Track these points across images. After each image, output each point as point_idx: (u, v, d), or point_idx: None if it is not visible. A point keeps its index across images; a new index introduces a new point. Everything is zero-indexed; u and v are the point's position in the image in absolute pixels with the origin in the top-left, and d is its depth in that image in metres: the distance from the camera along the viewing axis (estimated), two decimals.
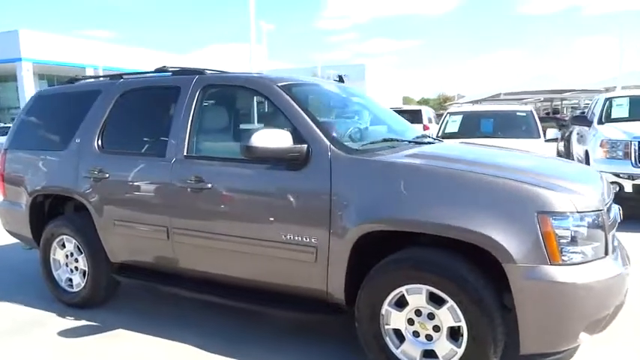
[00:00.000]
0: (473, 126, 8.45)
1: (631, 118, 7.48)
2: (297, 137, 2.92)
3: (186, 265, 3.43)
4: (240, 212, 3.13)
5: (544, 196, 2.40)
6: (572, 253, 2.36)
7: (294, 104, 3.09)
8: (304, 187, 2.89)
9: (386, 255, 2.74)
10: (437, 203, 2.53)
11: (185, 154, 3.35)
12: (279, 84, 3.23)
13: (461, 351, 2.54)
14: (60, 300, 4.10)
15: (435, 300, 2.58)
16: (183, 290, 3.47)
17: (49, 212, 4.26)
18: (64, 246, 4.06)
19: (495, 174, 2.57)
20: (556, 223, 2.35)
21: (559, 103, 36.17)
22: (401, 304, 2.68)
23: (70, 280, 4.06)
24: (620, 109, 7.71)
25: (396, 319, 2.70)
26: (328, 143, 2.90)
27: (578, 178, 2.86)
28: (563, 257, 2.34)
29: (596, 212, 2.47)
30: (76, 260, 4.01)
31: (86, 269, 3.92)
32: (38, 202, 4.17)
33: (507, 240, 2.36)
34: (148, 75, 3.91)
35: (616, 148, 6.38)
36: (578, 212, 2.39)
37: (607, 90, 27.09)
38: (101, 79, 4.25)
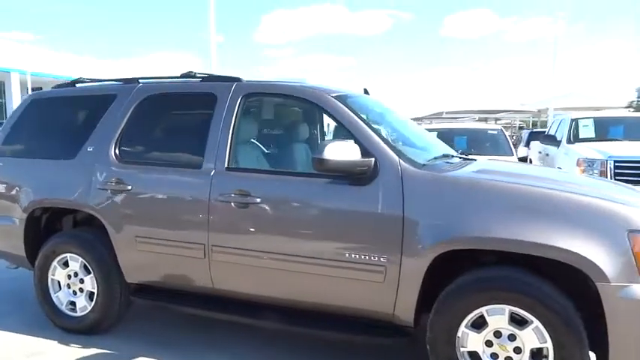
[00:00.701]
0: (447, 142, 8.66)
1: (597, 138, 7.96)
2: (363, 150, 2.78)
3: (225, 285, 3.16)
4: (294, 229, 2.92)
5: (633, 214, 2.42)
6: None
7: (354, 116, 2.95)
8: (372, 202, 2.74)
9: (449, 275, 2.65)
10: (527, 222, 2.47)
11: (226, 166, 3.10)
12: (333, 94, 3.07)
13: None
14: (59, 326, 3.66)
15: (517, 321, 2.52)
16: (219, 314, 3.19)
17: (46, 228, 3.81)
18: (66, 265, 3.63)
19: (579, 192, 2.57)
20: None
21: (493, 122, 38.20)
22: (479, 325, 2.59)
23: (73, 303, 3.63)
24: (587, 130, 8.19)
25: (473, 342, 2.60)
26: (397, 157, 2.78)
27: (637, 195, 2.93)
28: None
29: None
30: (82, 281, 3.59)
31: (95, 290, 3.52)
32: (35, 216, 3.71)
33: (601, 259, 2.34)
34: (172, 80, 3.59)
35: (592, 166, 6.74)
36: None
37: (539, 112, 28.98)
38: (111, 83, 3.86)
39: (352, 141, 2.76)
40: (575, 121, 8.41)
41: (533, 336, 2.48)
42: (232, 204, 3.01)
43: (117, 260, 3.44)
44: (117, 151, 3.44)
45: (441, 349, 2.63)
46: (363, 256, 2.74)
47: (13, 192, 3.75)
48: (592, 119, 8.51)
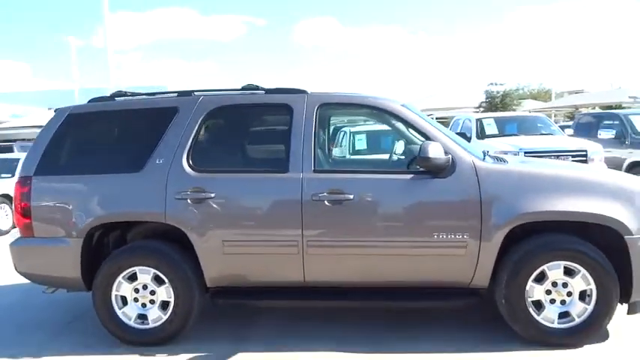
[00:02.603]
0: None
1: (500, 134, 9.56)
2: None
3: (318, 277, 3.52)
4: (388, 218, 3.43)
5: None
6: None
7: (425, 121, 3.56)
8: (454, 191, 3.38)
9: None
10: (574, 198, 3.32)
11: (313, 168, 3.48)
12: (400, 103, 3.65)
13: (590, 307, 3.35)
14: (127, 341, 3.65)
15: (568, 272, 3.36)
16: (312, 301, 3.55)
17: (97, 247, 3.74)
18: (132, 279, 3.63)
19: (602, 175, 3.52)
20: None
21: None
22: (540, 279, 3.38)
23: (143, 315, 3.64)
24: (490, 128, 9.77)
25: (537, 292, 3.39)
26: (469, 154, 3.45)
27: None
28: None
29: None
30: (152, 292, 3.63)
31: (170, 300, 3.59)
32: (90, 235, 3.63)
33: (627, 220, 3.28)
34: (233, 92, 3.80)
35: None
36: None
37: None
38: (161, 96, 3.90)
39: (438, 143, 3.36)
40: (479, 121, 9.96)
41: (581, 282, 3.35)
42: (326, 202, 3.41)
43: (194, 267, 3.57)
44: (190, 161, 3.57)
45: (515, 302, 3.36)
46: (448, 236, 3.36)
47: (65, 211, 3.62)
48: (493, 119, 10.16)
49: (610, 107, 21.78)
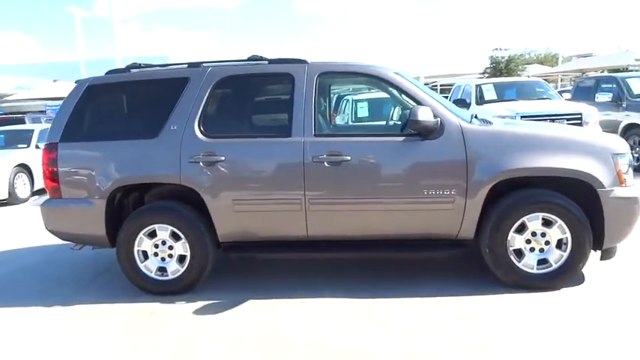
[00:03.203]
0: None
1: (498, 99, 9.78)
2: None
3: (320, 231, 3.88)
4: (382, 177, 3.77)
5: (614, 144, 3.72)
6: (628, 177, 3.72)
7: (417, 87, 3.85)
8: (443, 152, 3.70)
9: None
10: (552, 156, 3.63)
11: (314, 133, 3.80)
12: (394, 71, 3.93)
13: (566, 254, 3.71)
14: (150, 291, 4.06)
15: (546, 223, 3.70)
16: (314, 253, 3.93)
17: (118, 207, 4.12)
18: (152, 235, 4.02)
19: (579, 134, 3.81)
20: (621, 160, 3.68)
21: None
22: (520, 230, 3.73)
23: (163, 268, 4.04)
24: (489, 93, 9.97)
25: (517, 242, 3.74)
26: (456, 118, 3.75)
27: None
28: (626, 181, 3.68)
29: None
30: (170, 247, 4.02)
31: (187, 254, 3.98)
32: (112, 196, 4.00)
33: (600, 174, 3.59)
34: (239, 63, 4.09)
35: None
36: (627, 152, 3.76)
37: None
38: (173, 67, 4.21)
39: (428, 107, 3.66)
40: (479, 87, 10.17)
41: (558, 231, 3.69)
42: (325, 163, 3.74)
43: (208, 224, 3.94)
44: (202, 128, 3.90)
45: (499, 251, 3.73)
46: (437, 192, 3.70)
47: (89, 175, 3.99)
48: (492, 84, 10.35)
49: (617, 70, 21.68)
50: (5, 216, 8.15)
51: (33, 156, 9.57)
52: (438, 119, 3.69)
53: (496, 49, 31.53)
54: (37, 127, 10.64)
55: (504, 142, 3.72)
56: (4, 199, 8.85)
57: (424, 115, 3.56)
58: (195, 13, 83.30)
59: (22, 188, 9.27)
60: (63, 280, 4.66)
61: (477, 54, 33.95)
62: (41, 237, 6.07)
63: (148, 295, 4.04)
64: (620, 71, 19.75)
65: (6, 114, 18.93)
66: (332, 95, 4.42)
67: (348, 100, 9.54)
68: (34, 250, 5.73)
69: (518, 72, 28.66)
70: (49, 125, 11.17)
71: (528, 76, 21.57)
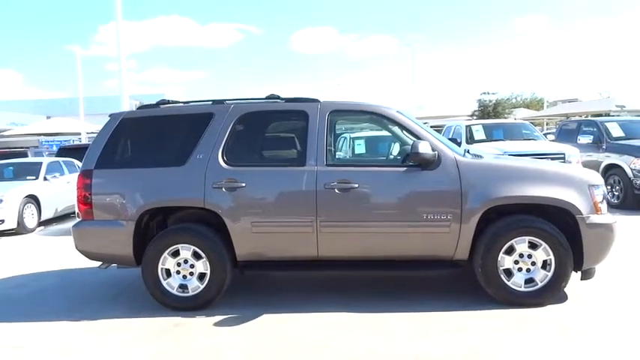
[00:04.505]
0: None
1: (487, 139, 10.40)
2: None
3: (329, 252, 4.30)
4: (386, 203, 4.24)
5: (589, 176, 4.23)
6: (603, 207, 4.21)
7: (417, 124, 4.37)
8: (440, 181, 4.18)
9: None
10: (538, 186, 4.13)
11: (326, 163, 4.27)
12: (396, 110, 4.46)
13: (550, 273, 4.14)
14: (171, 306, 4.39)
15: (532, 245, 4.15)
16: (323, 271, 4.32)
17: (146, 228, 4.52)
18: (175, 255, 4.39)
19: (560, 168, 4.33)
20: (596, 191, 4.18)
21: None
22: (509, 251, 4.17)
23: (184, 285, 4.40)
24: (479, 133, 10.61)
25: (507, 262, 4.18)
26: (452, 152, 4.26)
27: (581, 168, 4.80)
28: (601, 209, 4.17)
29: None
30: (192, 266, 4.40)
31: (207, 272, 4.35)
32: (141, 218, 4.40)
33: (578, 203, 4.08)
34: (258, 101, 4.61)
35: None
36: (601, 184, 4.27)
37: None
38: (198, 104, 4.72)
39: (427, 142, 4.16)
40: (469, 127, 10.82)
41: (542, 253, 4.15)
42: (336, 190, 4.20)
43: (227, 244, 4.34)
44: (225, 157, 4.36)
45: (490, 270, 4.16)
46: (435, 216, 4.16)
47: (120, 199, 4.40)
48: (481, 125, 11.01)
49: (599, 115, 22.73)
50: (15, 245, 8.43)
51: (41, 187, 9.96)
52: (436, 152, 4.19)
53: (484, 92, 32.82)
54: (45, 160, 11.04)
55: (495, 174, 4.22)
56: (13, 229, 9.14)
57: (424, 148, 4.06)
58: (189, 53, 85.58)
59: (30, 218, 9.57)
60: (85, 299, 4.98)
61: (466, 97, 35.25)
62: (53, 263, 6.50)
63: (170, 311, 4.37)
64: (602, 116, 20.73)
65: (2, 149, 19.33)
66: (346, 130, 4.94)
67: (345, 138, 10.14)
68: (50, 274, 6.04)
69: (505, 115, 29.74)
70: (56, 159, 11.65)
71: (515, 119, 22.51)
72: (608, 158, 9.82)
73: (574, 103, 32.66)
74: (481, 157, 4.56)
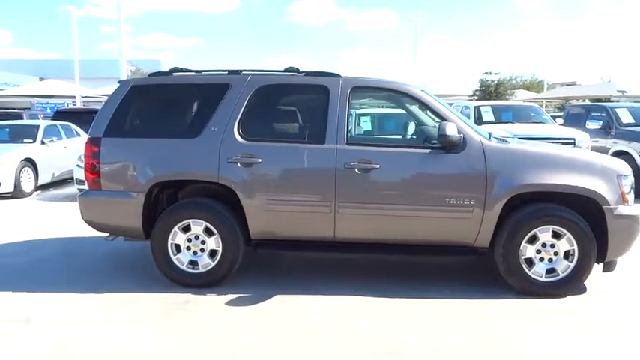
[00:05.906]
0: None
1: (496, 121, 10.22)
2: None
3: (346, 234, 4.16)
4: (407, 185, 4.08)
5: (618, 166, 4.09)
6: (630, 197, 4.09)
7: (441, 104, 4.18)
8: (465, 165, 4.03)
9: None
10: (566, 174, 3.99)
11: (346, 142, 4.09)
12: (421, 89, 4.26)
13: (572, 264, 4.04)
14: (180, 282, 4.26)
15: (555, 235, 4.04)
16: (339, 252, 4.19)
17: (154, 201, 4.34)
18: (186, 230, 4.23)
19: (589, 156, 4.18)
20: (624, 181, 4.05)
21: None
22: (532, 240, 4.06)
23: (194, 262, 4.26)
24: (487, 114, 10.42)
25: (529, 251, 4.07)
26: (478, 135, 4.09)
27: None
28: (628, 200, 4.05)
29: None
30: (203, 242, 4.24)
31: (219, 249, 4.20)
32: (151, 190, 4.22)
33: (605, 193, 3.95)
34: (276, 73, 4.38)
35: None
36: (630, 174, 4.14)
37: None
38: (213, 72, 4.48)
39: (454, 123, 3.98)
40: (477, 108, 10.61)
41: (566, 243, 4.03)
42: (356, 170, 4.03)
43: (239, 221, 4.18)
44: (241, 131, 4.16)
45: (511, 259, 4.04)
46: (457, 201, 4.01)
47: (130, 169, 4.21)
48: (490, 107, 10.81)
49: (599, 100, 22.58)
50: (11, 209, 8.23)
51: (39, 151, 9.68)
52: (462, 135, 4.02)
53: (486, 72, 32.45)
54: (43, 124, 10.73)
55: (521, 160, 4.07)
56: (10, 192, 8.91)
57: (451, 130, 3.88)
58: (183, 18, 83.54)
59: (27, 182, 9.34)
60: (87, 270, 4.84)
61: (467, 77, 34.91)
62: (51, 230, 6.34)
63: (179, 287, 4.24)
64: (602, 101, 20.59)
65: None
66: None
67: (351, 115, 9.90)
68: (49, 242, 5.88)
69: (507, 96, 29.50)
70: (53, 122, 11.33)
71: (523, 101, 22.30)
72: (615, 145, 9.69)
73: (575, 87, 32.39)
74: (507, 141, 4.40)
